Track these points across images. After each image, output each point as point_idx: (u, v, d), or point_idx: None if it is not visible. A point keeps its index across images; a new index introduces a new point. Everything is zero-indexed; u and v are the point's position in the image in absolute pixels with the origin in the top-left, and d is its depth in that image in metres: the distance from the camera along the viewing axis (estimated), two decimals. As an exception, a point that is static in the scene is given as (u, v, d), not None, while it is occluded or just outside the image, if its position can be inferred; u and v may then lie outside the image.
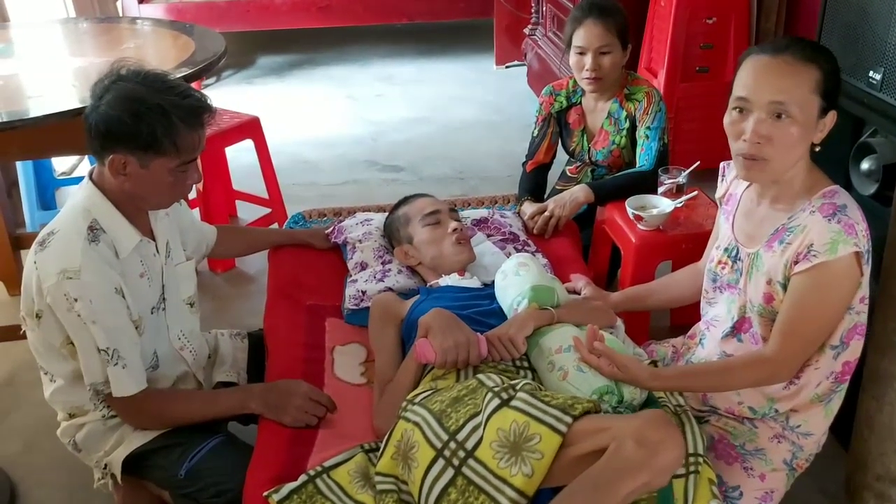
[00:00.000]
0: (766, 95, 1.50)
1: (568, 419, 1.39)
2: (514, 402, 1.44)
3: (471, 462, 1.41)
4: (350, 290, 2.14)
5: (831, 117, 1.54)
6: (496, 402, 1.45)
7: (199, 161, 1.73)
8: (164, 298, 1.83)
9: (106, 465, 1.79)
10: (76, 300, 1.60)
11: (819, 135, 1.55)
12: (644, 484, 1.31)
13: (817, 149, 1.57)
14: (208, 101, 1.69)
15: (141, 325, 1.73)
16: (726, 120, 1.58)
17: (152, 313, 1.79)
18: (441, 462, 1.43)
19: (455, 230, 2.10)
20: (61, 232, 1.67)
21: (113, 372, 1.65)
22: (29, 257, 1.69)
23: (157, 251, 1.81)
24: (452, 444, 1.44)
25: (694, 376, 1.67)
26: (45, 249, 1.65)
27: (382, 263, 2.20)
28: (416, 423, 1.50)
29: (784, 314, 1.56)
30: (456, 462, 1.42)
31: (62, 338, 1.69)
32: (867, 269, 1.54)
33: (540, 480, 1.36)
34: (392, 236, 2.24)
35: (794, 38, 1.59)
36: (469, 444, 1.43)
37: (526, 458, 1.37)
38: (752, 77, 1.53)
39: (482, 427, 1.44)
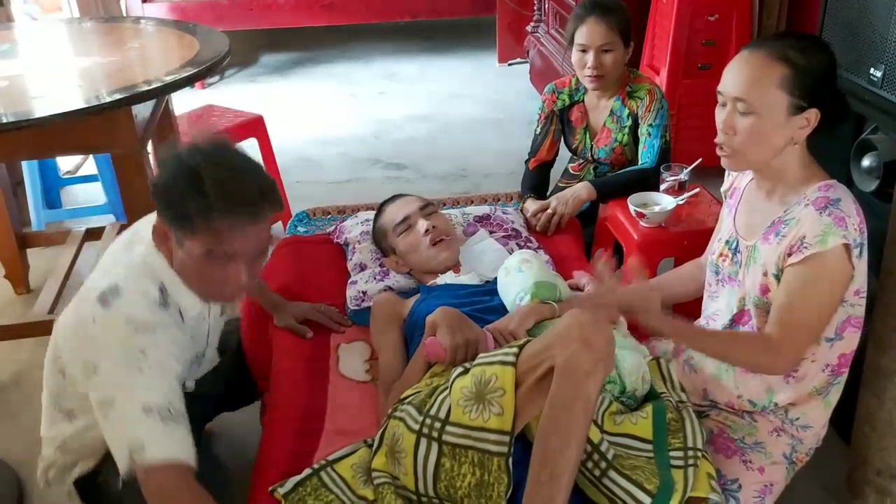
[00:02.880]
0: (732, 89, 1.55)
1: (514, 350, 1.47)
2: (472, 366, 1.51)
3: (448, 428, 1.46)
4: (351, 292, 2.14)
5: (813, 116, 1.53)
6: (459, 370, 1.53)
7: (254, 265, 1.52)
8: (203, 354, 1.78)
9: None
10: (142, 352, 1.44)
11: (800, 132, 1.55)
12: (604, 376, 1.41)
13: (796, 145, 1.58)
14: (269, 193, 1.45)
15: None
16: (715, 111, 1.63)
17: (189, 368, 1.70)
18: (423, 441, 1.48)
19: (427, 231, 2.06)
20: (128, 290, 1.50)
21: (158, 430, 1.42)
22: (78, 310, 1.55)
23: (208, 314, 1.72)
24: (428, 421, 1.49)
25: (701, 336, 1.69)
26: (109, 307, 1.48)
27: (380, 265, 2.21)
28: (401, 419, 1.54)
29: (777, 304, 1.58)
30: (435, 434, 1.47)
31: (77, 402, 1.56)
32: (859, 262, 1.55)
33: (512, 414, 1.41)
34: (380, 248, 2.24)
35: (785, 33, 1.61)
36: (441, 414, 1.48)
37: (491, 400, 1.42)
38: (727, 71, 1.59)
39: (448, 395, 1.49)
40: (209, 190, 1.37)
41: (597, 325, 1.42)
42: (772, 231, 1.61)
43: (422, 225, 2.07)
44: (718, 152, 1.62)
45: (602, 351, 1.39)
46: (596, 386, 1.38)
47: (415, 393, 1.62)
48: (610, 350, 1.42)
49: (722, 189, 1.88)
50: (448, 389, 1.51)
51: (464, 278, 2.04)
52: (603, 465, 1.45)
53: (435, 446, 1.47)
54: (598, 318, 1.45)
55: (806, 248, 1.51)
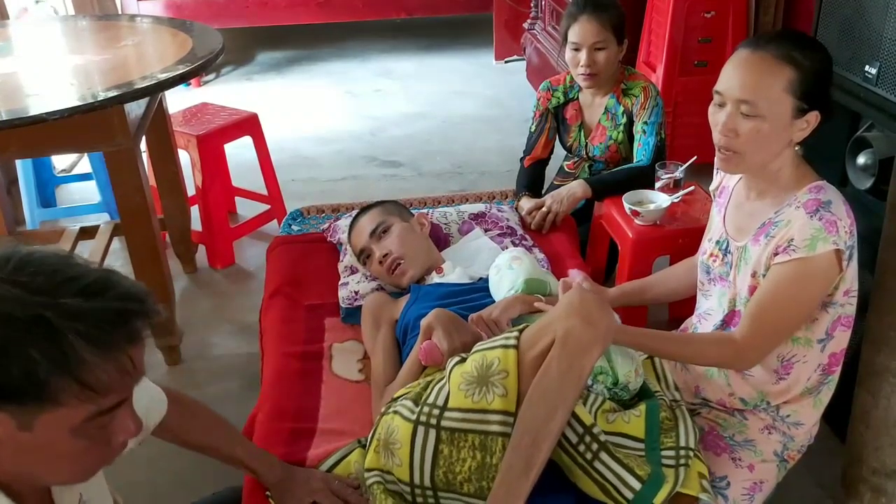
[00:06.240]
0: (736, 92, 1.51)
1: (514, 334, 1.48)
2: (470, 354, 1.52)
3: (446, 414, 1.46)
4: (343, 292, 2.14)
5: (813, 118, 1.51)
6: (456, 359, 1.54)
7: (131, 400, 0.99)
8: None
9: None
10: None
11: (799, 134, 1.53)
12: (600, 353, 1.42)
13: (796, 148, 1.57)
14: (141, 296, 0.95)
15: None
16: (709, 110, 1.59)
17: None
18: (421, 429, 1.47)
19: (381, 262, 2.02)
20: None
21: None
22: None
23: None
24: (425, 409, 1.48)
25: (657, 339, 1.64)
26: None
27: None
28: (396, 412, 1.53)
29: (756, 300, 1.57)
30: (433, 421, 1.46)
31: None
32: (849, 265, 1.54)
33: (516, 395, 1.42)
34: None
35: (783, 32, 1.59)
36: (440, 402, 1.48)
37: (495, 382, 1.43)
38: (728, 71, 1.54)
39: (447, 383, 1.49)
40: (69, 331, 0.89)
41: (600, 303, 1.44)
42: (762, 232, 1.59)
43: (375, 255, 2.04)
44: (718, 154, 1.58)
45: (602, 329, 1.41)
46: (591, 361, 1.39)
47: (408, 392, 1.61)
48: (609, 332, 1.44)
49: (711, 187, 1.87)
50: (445, 379, 1.50)
51: (452, 277, 2.02)
52: (595, 446, 1.43)
53: (433, 433, 1.46)
54: (602, 299, 1.47)
55: (794, 250, 1.50)
